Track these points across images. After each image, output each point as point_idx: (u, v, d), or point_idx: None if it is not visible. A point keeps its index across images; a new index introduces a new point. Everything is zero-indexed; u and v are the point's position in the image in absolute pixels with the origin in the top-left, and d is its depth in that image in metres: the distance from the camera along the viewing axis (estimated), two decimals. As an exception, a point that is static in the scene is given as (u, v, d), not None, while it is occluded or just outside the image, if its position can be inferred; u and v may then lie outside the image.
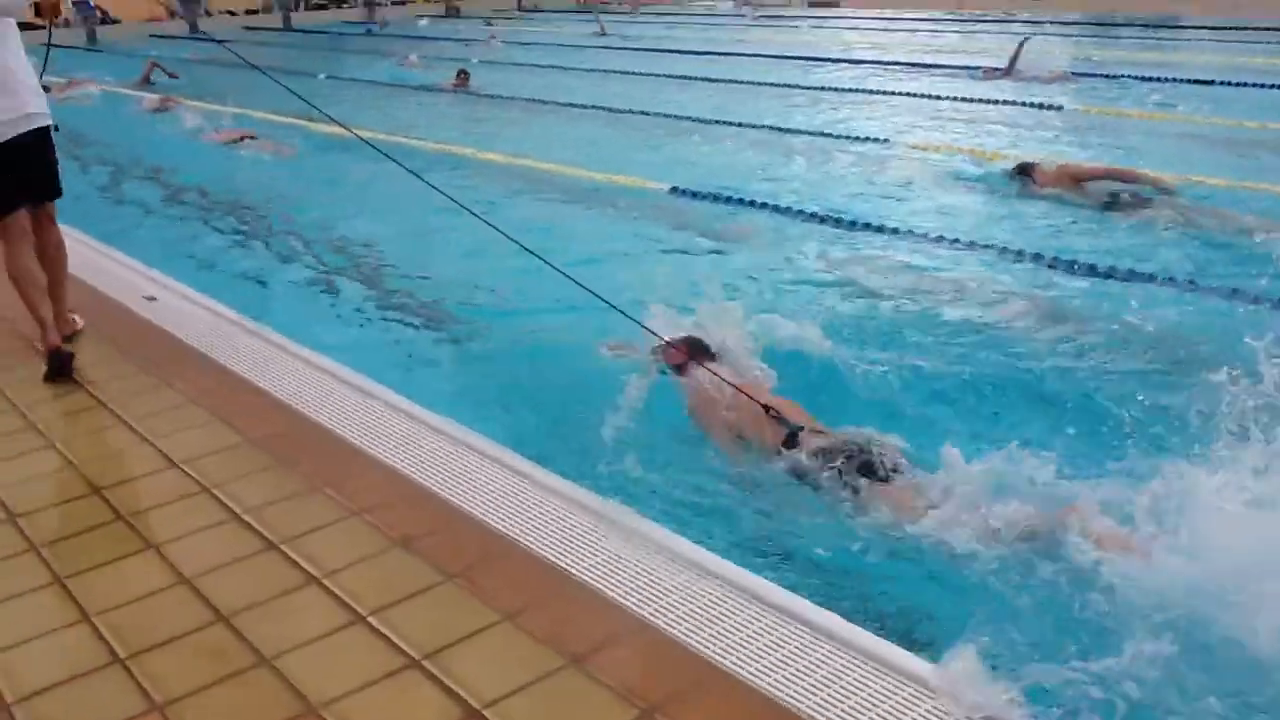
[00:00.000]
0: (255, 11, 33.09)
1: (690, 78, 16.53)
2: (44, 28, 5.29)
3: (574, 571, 2.94)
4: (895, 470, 3.65)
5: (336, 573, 2.99)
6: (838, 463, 3.67)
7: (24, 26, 4.76)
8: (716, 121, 12.33)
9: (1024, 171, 8.42)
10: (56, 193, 4.77)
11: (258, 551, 3.15)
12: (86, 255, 6.31)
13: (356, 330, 6.02)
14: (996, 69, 15.37)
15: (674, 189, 8.85)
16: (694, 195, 8.66)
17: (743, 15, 30.81)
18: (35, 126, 4.51)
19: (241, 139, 11.41)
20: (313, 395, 4.28)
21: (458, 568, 2.99)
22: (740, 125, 12.06)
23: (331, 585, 2.94)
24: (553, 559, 3.01)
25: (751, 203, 8.34)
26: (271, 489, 3.53)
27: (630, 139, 11.86)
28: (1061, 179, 8.16)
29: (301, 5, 33.59)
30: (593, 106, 13.82)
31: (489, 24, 28.83)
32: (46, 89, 4.85)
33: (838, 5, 32.46)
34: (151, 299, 5.58)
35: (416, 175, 4.64)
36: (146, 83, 17.07)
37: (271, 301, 6.43)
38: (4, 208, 4.51)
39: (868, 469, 3.64)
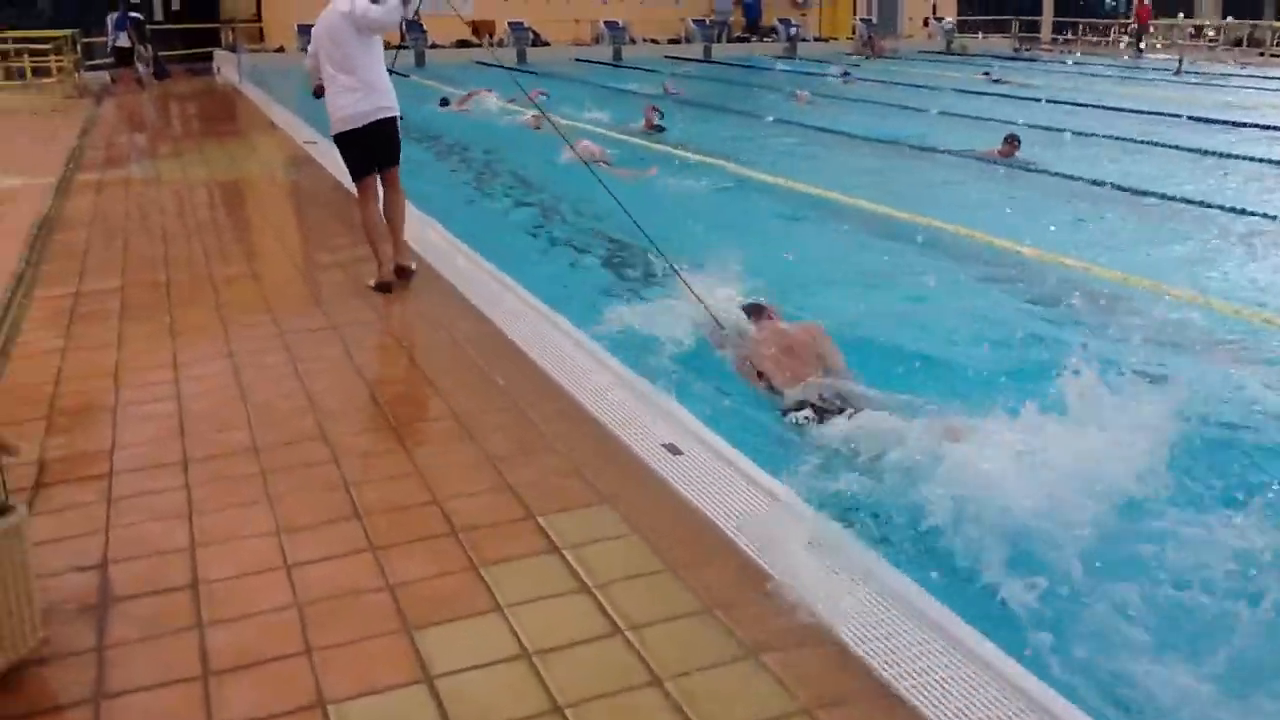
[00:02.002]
0: (677, 40, 33.19)
1: (1176, 148, 13.63)
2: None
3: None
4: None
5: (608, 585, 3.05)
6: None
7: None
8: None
9: None
10: (394, 161, 6.40)
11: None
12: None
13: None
14: None
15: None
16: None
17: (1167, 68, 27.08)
18: (386, 116, 6.23)
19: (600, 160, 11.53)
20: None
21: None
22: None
23: (603, 599, 2.99)
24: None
25: None
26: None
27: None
28: None
29: (724, 36, 33.29)
30: (1163, 196, 10.86)
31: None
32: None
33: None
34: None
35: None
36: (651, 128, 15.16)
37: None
38: (361, 172, 6.38)
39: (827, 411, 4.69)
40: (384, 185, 6.43)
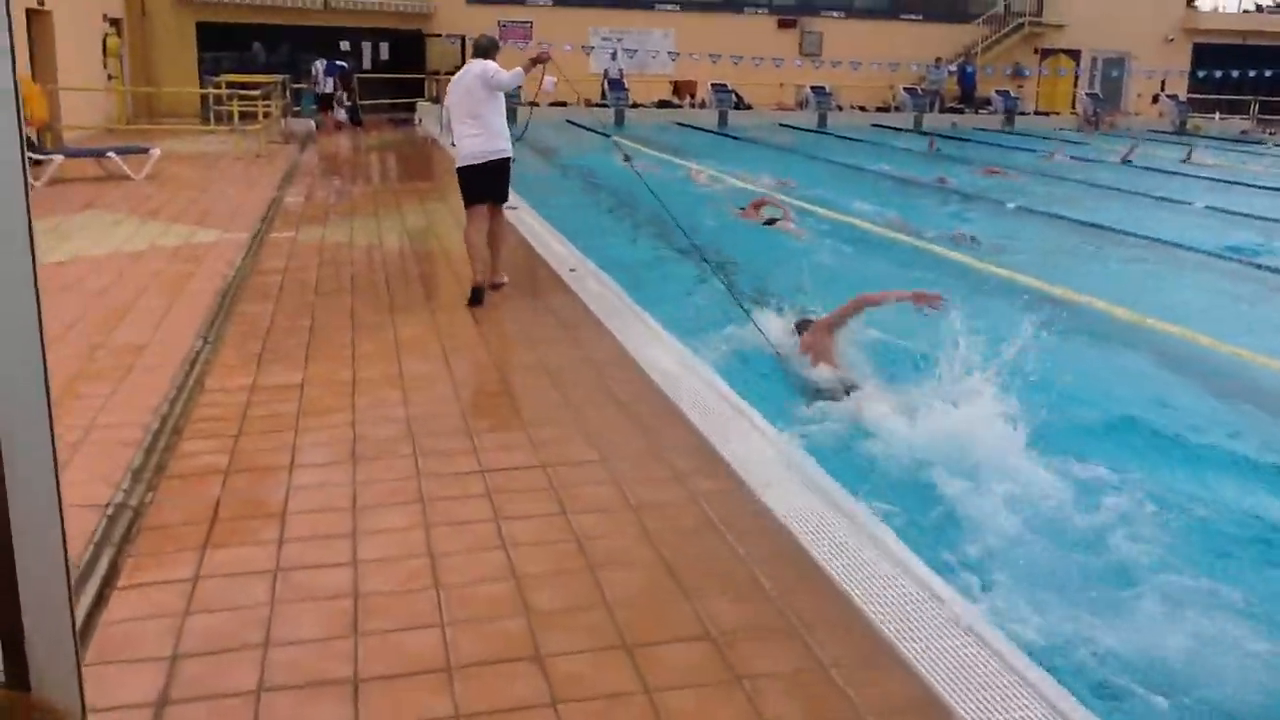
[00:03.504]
0: (885, 108, 31.91)
1: None
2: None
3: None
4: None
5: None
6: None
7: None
8: None
9: None
10: (504, 198, 7.97)
11: None
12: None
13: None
14: None
15: None
16: None
17: None
18: (500, 157, 7.72)
19: (765, 213, 12.89)
20: None
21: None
22: None
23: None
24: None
25: None
26: None
27: None
28: None
29: (936, 106, 31.82)
30: None
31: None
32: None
33: None
34: None
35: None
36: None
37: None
38: (474, 200, 7.78)
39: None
40: (491, 218, 7.86)
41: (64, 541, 1.95)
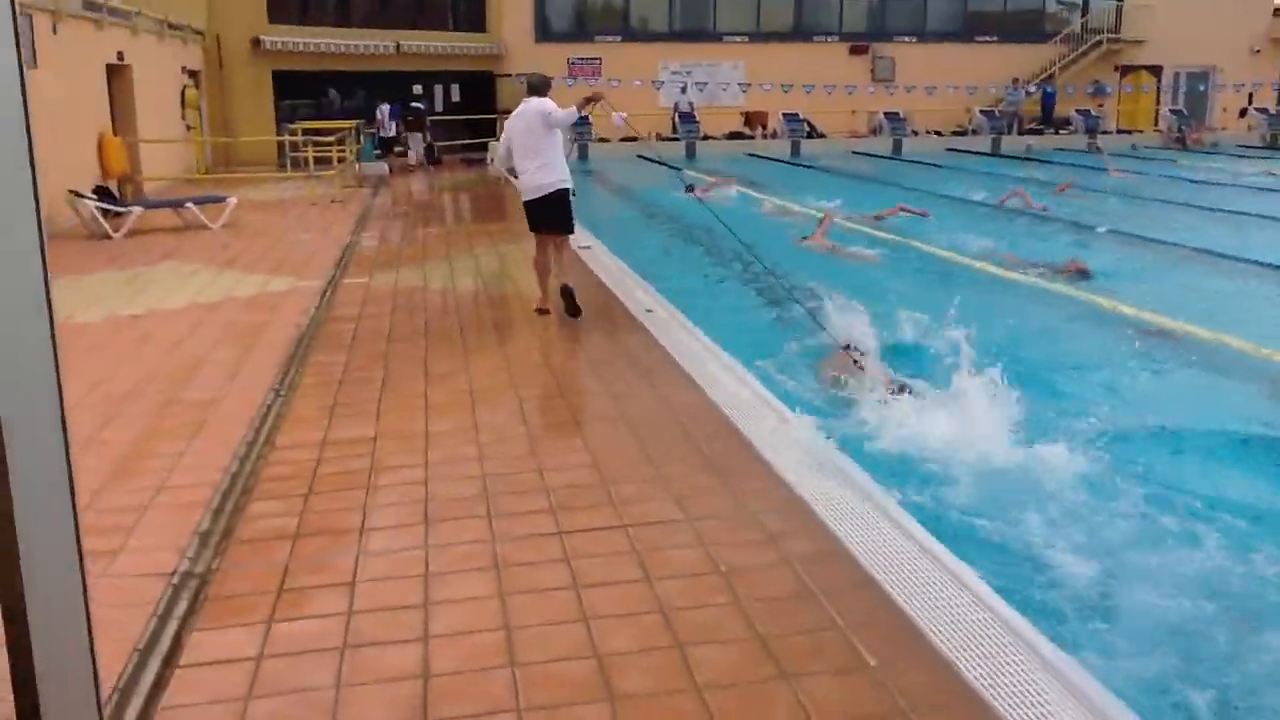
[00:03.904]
0: (962, 132, 31.31)
1: None
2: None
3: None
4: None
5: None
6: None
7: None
8: None
9: None
10: (568, 230, 8.54)
11: None
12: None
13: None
14: None
15: None
16: None
17: None
18: (559, 189, 8.32)
19: (833, 240, 12.96)
20: None
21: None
22: None
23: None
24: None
25: None
26: None
27: None
28: None
29: (1014, 128, 31.12)
30: None
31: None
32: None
33: None
34: None
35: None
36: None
37: None
38: (536, 228, 8.57)
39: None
40: (556, 249, 8.56)
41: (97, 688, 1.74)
